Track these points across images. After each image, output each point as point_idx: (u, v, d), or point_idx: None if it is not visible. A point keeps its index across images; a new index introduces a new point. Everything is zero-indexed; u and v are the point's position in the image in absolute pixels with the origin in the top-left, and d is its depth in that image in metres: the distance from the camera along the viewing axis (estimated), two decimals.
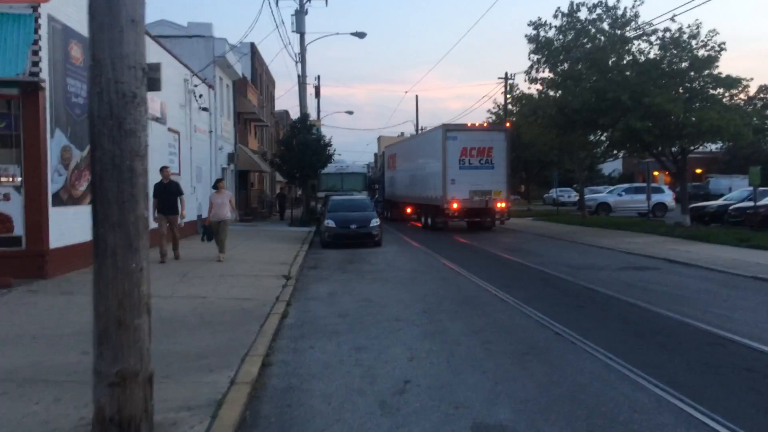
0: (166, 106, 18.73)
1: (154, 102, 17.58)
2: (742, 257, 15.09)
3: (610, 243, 19.23)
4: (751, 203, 22.35)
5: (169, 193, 13.82)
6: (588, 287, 11.29)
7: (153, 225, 14.42)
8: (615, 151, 32.77)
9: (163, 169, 14.19)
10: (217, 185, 15.54)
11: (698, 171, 56.49)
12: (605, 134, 27.52)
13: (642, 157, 30.65)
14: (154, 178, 17.15)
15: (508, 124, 29.71)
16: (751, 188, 24.32)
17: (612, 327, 8.15)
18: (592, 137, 30.24)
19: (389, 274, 13.42)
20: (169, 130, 19.22)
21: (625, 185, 39.22)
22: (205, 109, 23.59)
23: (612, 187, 40.37)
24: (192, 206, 21.06)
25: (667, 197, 33.83)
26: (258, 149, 41.14)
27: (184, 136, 21.10)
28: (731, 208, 24.46)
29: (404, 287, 11.62)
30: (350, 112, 62.11)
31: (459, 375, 6.05)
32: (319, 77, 63.81)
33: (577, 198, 40.42)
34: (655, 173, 33.99)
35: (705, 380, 5.86)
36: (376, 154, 47.24)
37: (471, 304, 9.90)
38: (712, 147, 35.05)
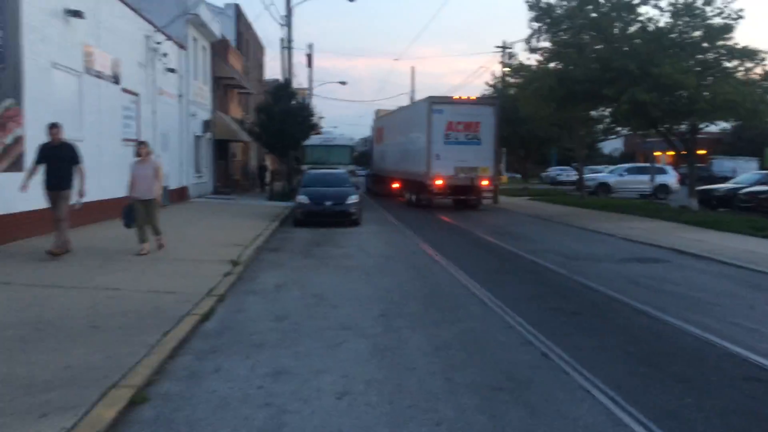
0: (120, 64, 16.72)
1: (103, 57, 15.60)
2: (759, 249, 13.30)
3: (611, 228, 17.42)
4: (765, 188, 20.53)
5: (58, 160, 9.90)
6: (586, 285, 9.49)
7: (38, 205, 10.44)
8: (618, 128, 30.76)
9: (52, 127, 9.97)
10: (139, 151, 11.14)
11: (701, 152, 54.44)
12: (608, 109, 25.52)
13: (646, 136, 28.64)
14: (103, 143, 15.36)
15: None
16: (764, 171, 22.49)
17: (615, 346, 6.35)
18: (593, 112, 28.23)
19: (357, 261, 11.61)
20: (124, 90, 17.21)
21: (627, 165, 37.22)
22: (172, 70, 21.53)
23: (612, 167, 38.37)
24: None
25: (671, 178, 31.89)
26: (242, 118, 39.02)
27: (145, 99, 19.09)
28: (742, 192, 22.59)
29: (368, 279, 9.82)
30: (343, 83, 59.29)
31: (401, 429, 4.26)
32: (311, 45, 61.54)
33: (576, 177, 38.52)
34: (657, 153, 32.01)
35: None
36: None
37: (441, 305, 8.10)
38: (725, 125, 33.02)
